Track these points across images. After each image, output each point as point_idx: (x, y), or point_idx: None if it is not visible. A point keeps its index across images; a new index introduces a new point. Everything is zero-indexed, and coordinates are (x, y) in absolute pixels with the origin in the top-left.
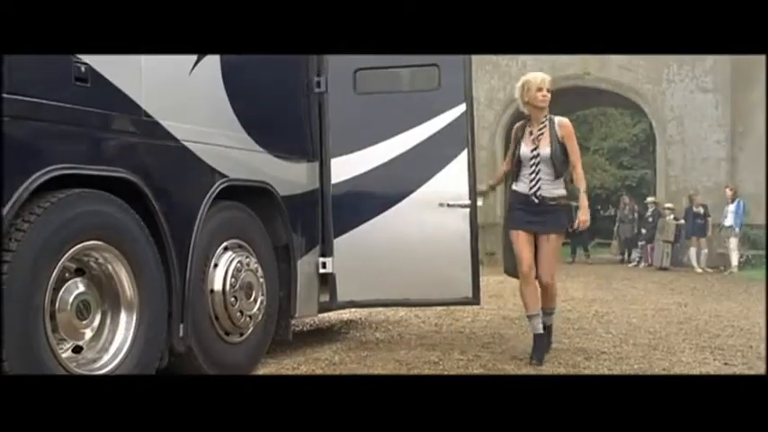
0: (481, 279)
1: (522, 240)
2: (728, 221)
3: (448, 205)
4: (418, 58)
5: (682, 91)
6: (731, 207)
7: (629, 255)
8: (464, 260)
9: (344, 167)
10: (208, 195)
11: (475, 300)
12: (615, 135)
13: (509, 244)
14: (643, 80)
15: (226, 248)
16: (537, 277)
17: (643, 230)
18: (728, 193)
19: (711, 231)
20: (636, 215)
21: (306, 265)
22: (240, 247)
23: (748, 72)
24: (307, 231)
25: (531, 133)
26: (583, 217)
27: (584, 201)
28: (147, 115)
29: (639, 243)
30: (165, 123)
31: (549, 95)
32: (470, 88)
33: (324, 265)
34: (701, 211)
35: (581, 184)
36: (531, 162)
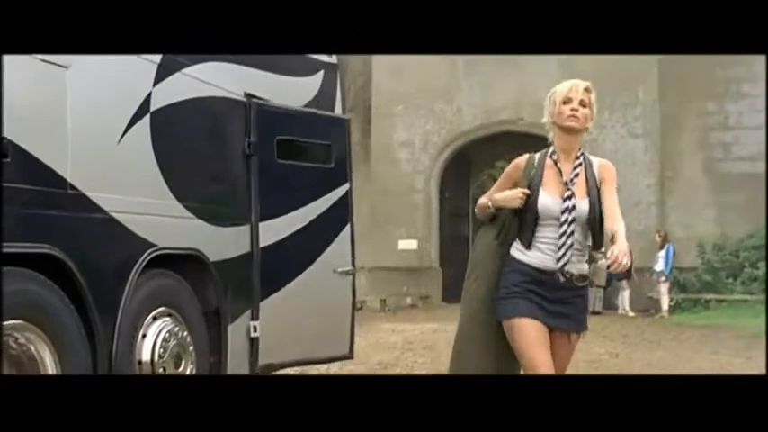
0: (415, 327)
1: (532, 337)
2: (659, 266)
3: (338, 272)
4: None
5: (613, 137)
6: (661, 252)
7: None
8: (347, 320)
9: (269, 232)
10: (136, 266)
11: (350, 354)
12: None
13: (480, 335)
14: None
15: (155, 318)
16: None
17: None
18: (658, 238)
19: (636, 275)
20: None
21: (236, 330)
22: (170, 315)
23: (676, 119)
24: (238, 296)
25: (559, 173)
26: (619, 251)
27: (621, 237)
28: (73, 188)
29: None
30: (92, 195)
31: (588, 112)
32: (351, 169)
33: (255, 329)
34: None
35: (616, 225)
36: (564, 220)
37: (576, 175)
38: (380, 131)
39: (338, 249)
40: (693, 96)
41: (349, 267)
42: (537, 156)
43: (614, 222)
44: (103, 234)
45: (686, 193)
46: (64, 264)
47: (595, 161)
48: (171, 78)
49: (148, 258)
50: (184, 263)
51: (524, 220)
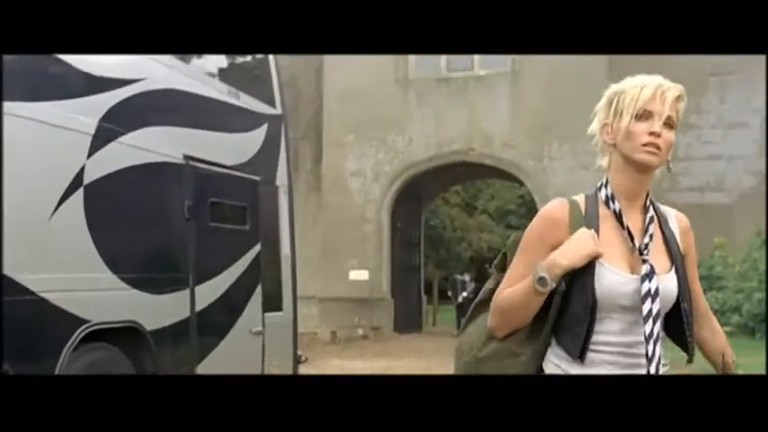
0: (365, 366)
1: None
2: None
3: (253, 332)
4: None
5: (563, 168)
6: None
7: None
8: None
9: (202, 296)
10: (68, 344)
11: None
12: (501, 196)
13: None
14: (525, 156)
15: None
16: None
17: None
18: None
19: None
20: None
21: None
22: None
23: None
24: (175, 362)
25: (625, 232)
26: None
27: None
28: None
29: None
30: (20, 278)
31: (673, 137)
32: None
33: None
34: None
35: (722, 351)
36: (647, 312)
37: (651, 237)
38: (332, 161)
39: (253, 309)
40: None
41: (260, 327)
42: (581, 201)
43: (716, 342)
44: (33, 316)
45: None
46: None
47: (669, 213)
48: (106, 148)
49: (81, 336)
50: (121, 335)
51: (570, 313)
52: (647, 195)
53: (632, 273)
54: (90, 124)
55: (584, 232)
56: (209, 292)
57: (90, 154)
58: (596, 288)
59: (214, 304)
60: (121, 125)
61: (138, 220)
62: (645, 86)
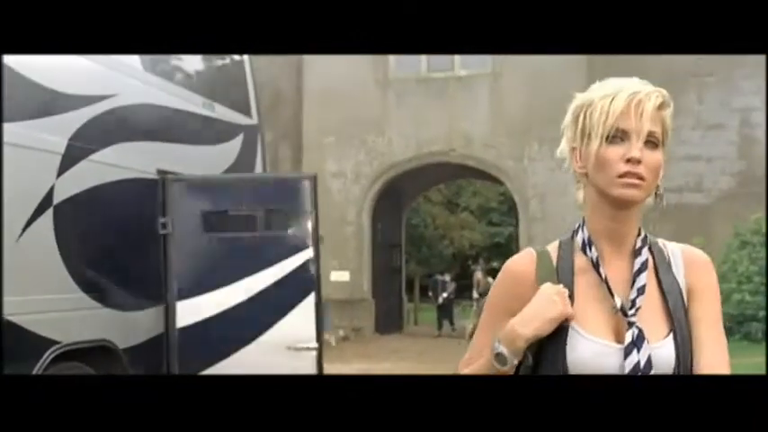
0: (344, 368)
1: None
2: None
3: (295, 349)
4: (269, 201)
5: (543, 169)
6: None
7: None
8: None
9: (191, 310)
10: (37, 367)
11: None
12: (483, 193)
13: None
14: (506, 157)
15: None
16: None
17: None
18: None
19: None
20: None
21: None
22: None
23: None
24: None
25: (605, 287)
26: None
27: None
28: None
29: None
30: None
31: (660, 159)
32: (317, 232)
33: None
34: None
35: None
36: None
37: (641, 291)
38: (311, 162)
39: (295, 323)
40: None
41: (309, 344)
42: (553, 250)
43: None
44: (1, 339)
45: None
46: None
47: (675, 251)
48: (76, 167)
49: (51, 357)
50: (93, 354)
51: None
52: (640, 234)
53: (615, 340)
54: (59, 143)
55: (547, 289)
56: (194, 306)
57: (60, 173)
58: (568, 361)
59: (217, 317)
60: (92, 143)
61: (110, 237)
62: (615, 97)
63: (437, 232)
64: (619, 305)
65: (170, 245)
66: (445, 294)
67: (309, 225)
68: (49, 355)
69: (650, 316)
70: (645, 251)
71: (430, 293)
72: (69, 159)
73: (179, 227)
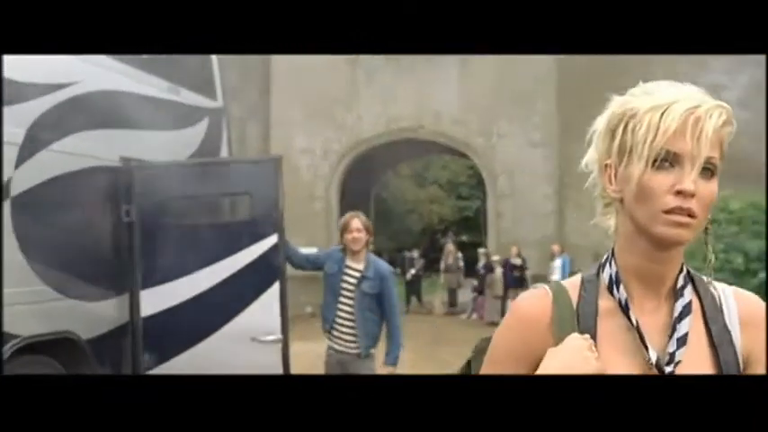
0: (310, 349)
1: None
2: (554, 277)
3: (259, 340)
4: (231, 186)
5: (511, 146)
6: (556, 263)
7: (455, 305)
8: None
9: (156, 299)
10: None
11: None
12: (452, 168)
13: None
14: (474, 134)
15: None
16: None
17: (474, 282)
18: (555, 249)
19: (531, 283)
20: (461, 264)
21: None
22: None
23: (575, 126)
24: (115, 369)
25: (637, 337)
26: None
27: None
28: None
29: (471, 295)
30: None
31: (715, 189)
32: (281, 218)
33: None
34: (519, 262)
35: None
36: None
37: (682, 342)
38: (280, 139)
39: (258, 313)
40: (591, 104)
41: (274, 336)
42: (572, 289)
43: None
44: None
45: (584, 201)
46: None
47: (726, 293)
48: (34, 158)
49: (11, 351)
50: (56, 345)
51: None
52: (682, 271)
53: None
54: (17, 134)
55: (575, 341)
56: (161, 295)
57: (18, 165)
58: None
59: (182, 306)
60: (52, 132)
61: (72, 227)
62: (667, 110)
63: (406, 207)
64: (654, 359)
65: (134, 233)
66: (413, 271)
67: (275, 210)
68: (9, 350)
69: (696, 370)
70: (688, 292)
71: (398, 270)
72: (27, 150)
73: (142, 214)
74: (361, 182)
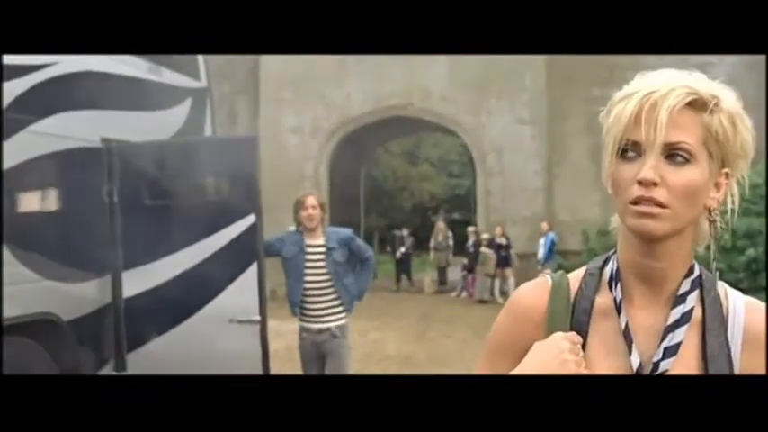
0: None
1: None
2: (540, 254)
3: (238, 321)
4: (210, 166)
5: (500, 123)
6: (541, 241)
7: (445, 284)
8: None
9: (137, 280)
10: None
11: None
12: (443, 145)
13: None
14: (463, 112)
15: None
16: None
17: (465, 260)
18: (544, 226)
19: (520, 261)
20: (450, 242)
21: None
22: None
23: (563, 104)
24: (97, 350)
25: (625, 337)
26: None
27: None
28: None
29: (461, 273)
30: None
31: (683, 183)
32: (259, 198)
33: None
34: (504, 242)
35: None
36: None
37: (671, 352)
38: (269, 117)
39: (236, 295)
40: (579, 82)
41: (252, 317)
42: (573, 281)
43: None
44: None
45: (572, 177)
46: None
47: (737, 301)
48: (12, 139)
49: None
50: (36, 327)
51: None
52: (690, 275)
53: None
54: None
55: (557, 340)
56: (144, 275)
57: None
58: None
59: (162, 287)
60: (31, 113)
61: (53, 208)
62: (630, 97)
63: (397, 185)
64: (635, 365)
65: (115, 213)
66: (403, 249)
67: (253, 189)
68: None
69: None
70: (691, 299)
71: (388, 248)
72: (5, 131)
73: (123, 195)
74: (351, 161)
